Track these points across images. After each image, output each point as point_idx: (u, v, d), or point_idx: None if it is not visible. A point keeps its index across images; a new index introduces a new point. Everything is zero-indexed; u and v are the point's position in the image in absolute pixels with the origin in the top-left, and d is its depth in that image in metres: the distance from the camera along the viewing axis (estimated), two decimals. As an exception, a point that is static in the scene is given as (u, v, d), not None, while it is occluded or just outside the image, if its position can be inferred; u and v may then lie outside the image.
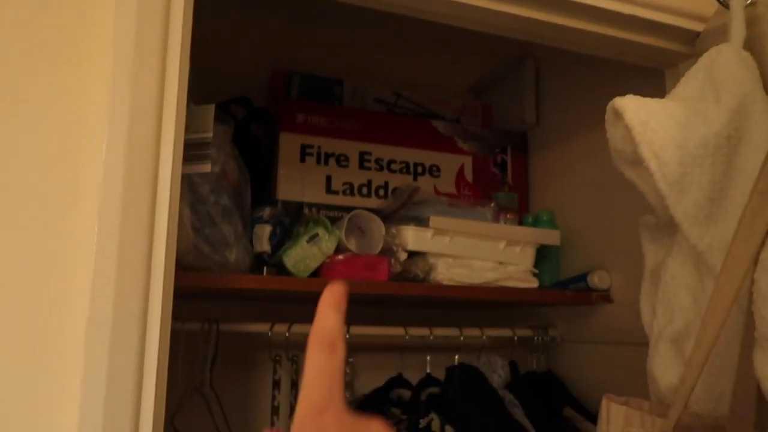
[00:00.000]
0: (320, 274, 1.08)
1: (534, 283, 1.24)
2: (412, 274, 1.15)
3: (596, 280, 1.22)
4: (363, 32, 1.55)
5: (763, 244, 0.51)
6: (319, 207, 1.29)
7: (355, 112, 1.41)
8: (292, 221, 1.18)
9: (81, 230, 0.61)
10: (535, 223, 1.37)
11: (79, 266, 0.60)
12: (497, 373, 1.24)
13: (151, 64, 0.64)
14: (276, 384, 1.21)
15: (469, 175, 1.45)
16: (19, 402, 0.57)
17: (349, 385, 1.27)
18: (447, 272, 1.15)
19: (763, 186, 0.53)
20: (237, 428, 1.21)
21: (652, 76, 1.03)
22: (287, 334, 1.15)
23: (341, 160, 1.35)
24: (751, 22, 0.70)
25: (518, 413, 1.16)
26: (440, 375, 1.24)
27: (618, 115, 0.65)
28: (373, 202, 1.33)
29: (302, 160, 1.31)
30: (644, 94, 0.69)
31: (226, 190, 1.04)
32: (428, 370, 1.25)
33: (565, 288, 1.27)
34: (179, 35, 0.66)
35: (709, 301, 0.52)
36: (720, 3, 0.76)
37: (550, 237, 1.29)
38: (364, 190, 1.35)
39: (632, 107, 0.63)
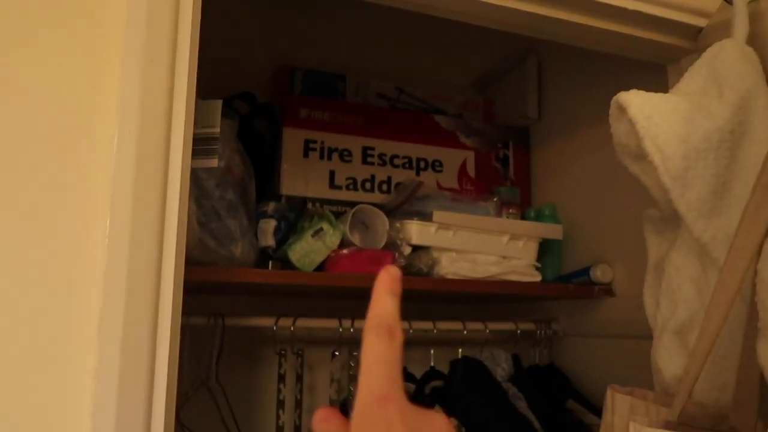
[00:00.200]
0: (325, 269, 1.09)
1: (537, 277, 1.25)
2: (416, 269, 1.16)
3: (599, 273, 1.23)
4: (365, 27, 1.55)
5: (766, 235, 0.52)
6: (323, 202, 1.30)
7: (358, 107, 1.42)
8: (297, 216, 1.18)
9: (93, 225, 0.61)
10: (538, 218, 1.38)
11: (92, 260, 0.61)
12: (501, 367, 1.25)
13: (161, 58, 0.64)
14: (281, 378, 1.22)
15: (471, 170, 1.46)
16: (34, 395, 0.57)
17: (354, 378, 1.28)
18: (451, 266, 1.15)
19: (766, 179, 0.54)
20: (243, 422, 1.22)
21: (655, 71, 1.03)
22: (292, 329, 1.16)
23: (344, 155, 1.35)
24: (755, 18, 0.70)
25: (522, 406, 1.17)
26: (444, 369, 1.25)
27: (622, 109, 0.65)
28: (377, 197, 1.34)
29: (305, 155, 1.32)
30: (646, 90, 0.69)
31: (231, 184, 1.04)
32: (432, 364, 1.26)
33: (567, 282, 1.28)
34: (188, 29, 0.66)
35: (712, 293, 0.53)
36: (723, -2, 0.76)
37: (553, 231, 1.30)
38: (368, 185, 1.36)
39: (636, 102, 0.63)
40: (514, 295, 1.33)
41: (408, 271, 1.16)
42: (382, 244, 1.13)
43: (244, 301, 1.31)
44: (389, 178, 1.38)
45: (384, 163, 1.38)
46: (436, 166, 1.42)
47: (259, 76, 1.43)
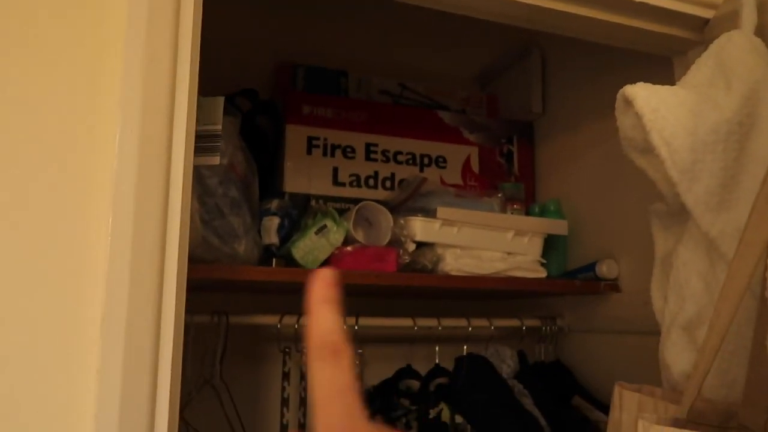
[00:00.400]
0: (329, 266, 1.09)
1: (542, 273, 1.24)
2: (421, 265, 1.16)
3: (604, 269, 1.22)
4: (367, 23, 1.54)
5: (776, 229, 0.51)
6: (326, 199, 1.30)
7: (361, 103, 1.41)
8: (300, 213, 1.18)
9: (95, 223, 0.61)
10: (542, 213, 1.37)
11: (94, 259, 0.60)
12: (506, 363, 1.25)
13: (163, 55, 0.64)
14: (285, 376, 1.21)
15: (475, 166, 1.45)
16: (37, 395, 0.57)
17: (358, 376, 1.27)
18: (455, 263, 1.15)
19: (775, 172, 0.53)
20: (247, 420, 1.22)
21: (661, 64, 1.02)
22: (296, 326, 1.16)
23: (348, 152, 1.35)
24: (763, 9, 0.69)
25: (528, 403, 1.17)
26: (449, 366, 1.24)
27: (628, 102, 0.65)
28: (380, 193, 1.33)
29: (309, 152, 1.31)
30: (652, 83, 0.69)
31: (234, 182, 1.04)
32: (437, 361, 1.26)
33: (573, 278, 1.28)
34: (190, 26, 0.66)
35: (722, 287, 0.52)
36: (730, -11, 0.75)
37: (558, 227, 1.29)
38: (371, 182, 1.35)
39: (643, 95, 0.62)
40: (519, 292, 1.33)
41: (412, 268, 1.15)
42: (386, 240, 1.13)
43: (248, 299, 1.31)
44: (393, 175, 1.37)
45: (387, 160, 1.38)
46: (439, 162, 1.42)
47: (261, 73, 1.43)
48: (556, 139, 1.47)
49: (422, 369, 1.26)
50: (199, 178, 0.98)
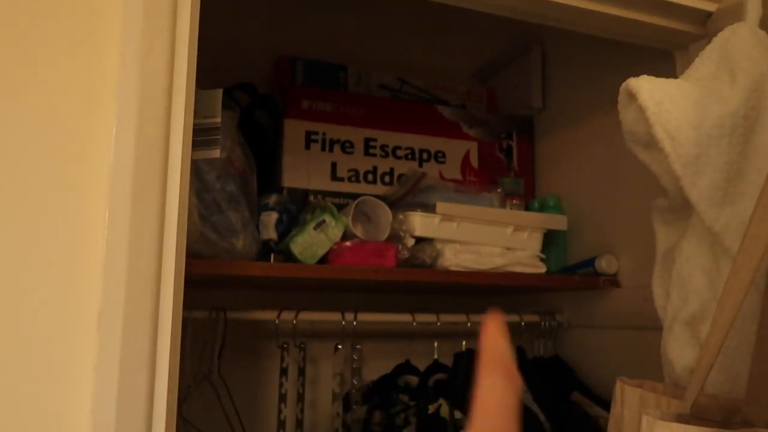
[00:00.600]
0: (327, 261, 1.08)
1: (542, 269, 1.23)
2: (420, 260, 1.15)
3: (604, 264, 1.22)
4: (366, 17, 1.53)
5: (781, 224, 0.51)
6: (325, 194, 1.29)
7: (360, 98, 1.40)
8: (299, 208, 1.17)
9: (92, 218, 0.60)
10: (542, 209, 1.37)
11: (91, 254, 0.59)
12: (505, 359, 1.24)
13: (160, 47, 0.63)
14: (284, 372, 1.21)
15: (474, 161, 1.45)
16: (33, 390, 0.56)
17: (357, 371, 1.27)
18: (454, 258, 1.14)
19: (780, 166, 0.53)
20: (245, 416, 1.21)
21: (662, 59, 1.02)
22: (294, 322, 1.15)
23: (346, 147, 1.34)
24: None
25: (527, 398, 1.16)
26: (448, 361, 1.24)
27: (631, 96, 0.64)
28: (379, 188, 1.33)
29: (307, 146, 1.31)
30: (654, 77, 0.68)
31: (232, 176, 1.03)
32: (435, 357, 1.25)
33: (572, 273, 1.27)
34: (187, 18, 0.65)
35: (726, 282, 0.52)
36: (734, -18, 0.75)
37: (558, 222, 1.28)
38: (370, 177, 1.34)
39: (646, 88, 0.62)
40: (519, 287, 1.32)
41: (411, 263, 1.14)
42: (386, 236, 1.12)
43: (246, 294, 1.30)
44: (392, 170, 1.36)
45: (386, 155, 1.37)
46: (438, 157, 1.41)
47: (260, 67, 1.42)
48: (555, 134, 1.47)
49: (421, 365, 1.26)
50: (197, 173, 0.97)
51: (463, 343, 1.25)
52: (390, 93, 1.47)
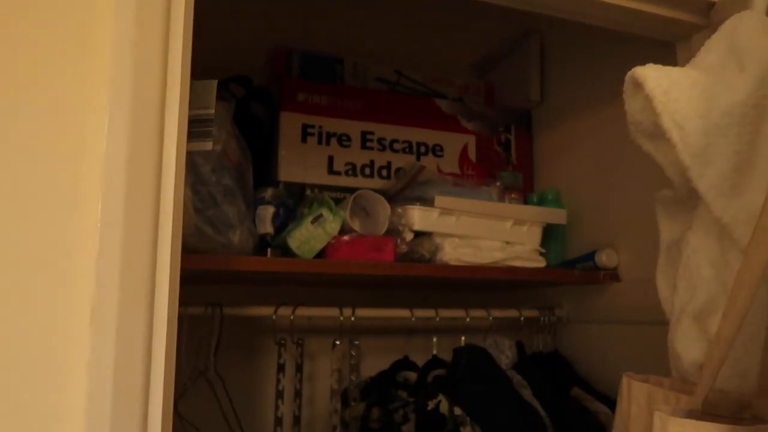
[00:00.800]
0: (325, 256, 1.07)
1: (541, 263, 1.22)
2: (419, 255, 1.14)
3: (604, 258, 1.20)
4: (363, 9, 1.51)
5: (792, 215, 0.49)
6: (321, 188, 1.27)
7: (357, 90, 1.38)
8: (296, 202, 1.16)
9: (84, 211, 0.58)
10: (540, 202, 1.36)
11: (83, 248, 0.58)
12: (504, 354, 1.23)
13: (154, 36, 0.61)
14: (281, 368, 1.19)
15: (472, 155, 1.43)
16: (25, 388, 0.55)
17: (355, 367, 1.26)
18: (453, 252, 1.13)
19: (790, 156, 0.51)
20: (242, 412, 1.20)
21: (662, 51, 1.00)
22: (292, 318, 1.14)
23: (343, 140, 1.32)
24: (775, -12, 0.67)
25: (527, 394, 1.15)
26: (446, 357, 1.23)
27: (637, 85, 0.62)
28: (376, 182, 1.31)
29: (303, 140, 1.29)
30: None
31: (228, 169, 1.01)
32: (434, 352, 1.24)
33: (572, 267, 1.26)
34: (182, 6, 0.63)
35: (737, 274, 0.51)
36: (738, -30, 0.73)
37: (558, 216, 1.27)
38: (367, 171, 1.33)
39: (653, 76, 0.60)
40: (518, 282, 1.31)
41: (410, 258, 1.13)
42: (384, 230, 1.10)
43: (243, 290, 1.29)
44: (389, 164, 1.35)
45: (384, 148, 1.35)
46: (436, 150, 1.40)
47: (255, 60, 1.40)
48: (554, 128, 1.45)
49: (420, 360, 1.25)
50: (191, 166, 0.95)
51: (463, 338, 1.24)
52: (387, 86, 1.46)
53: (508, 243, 1.20)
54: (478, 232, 1.17)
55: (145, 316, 0.57)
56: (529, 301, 1.37)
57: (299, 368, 1.23)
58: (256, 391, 1.32)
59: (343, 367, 1.26)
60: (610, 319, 1.24)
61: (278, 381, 1.19)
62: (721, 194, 0.57)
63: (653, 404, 0.58)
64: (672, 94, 0.59)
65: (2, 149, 0.57)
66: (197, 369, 1.13)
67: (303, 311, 1.15)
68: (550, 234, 1.28)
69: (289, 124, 1.28)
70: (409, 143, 1.38)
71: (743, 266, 0.51)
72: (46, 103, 0.59)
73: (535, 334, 1.33)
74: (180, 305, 0.62)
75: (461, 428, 1.06)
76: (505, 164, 1.46)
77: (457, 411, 1.08)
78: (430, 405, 1.11)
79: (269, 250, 1.06)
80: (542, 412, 1.13)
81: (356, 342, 1.26)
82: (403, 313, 1.20)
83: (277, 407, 1.17)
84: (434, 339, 1.24)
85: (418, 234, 1.15)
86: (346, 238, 1.06)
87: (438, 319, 1.22)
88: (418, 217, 1.13)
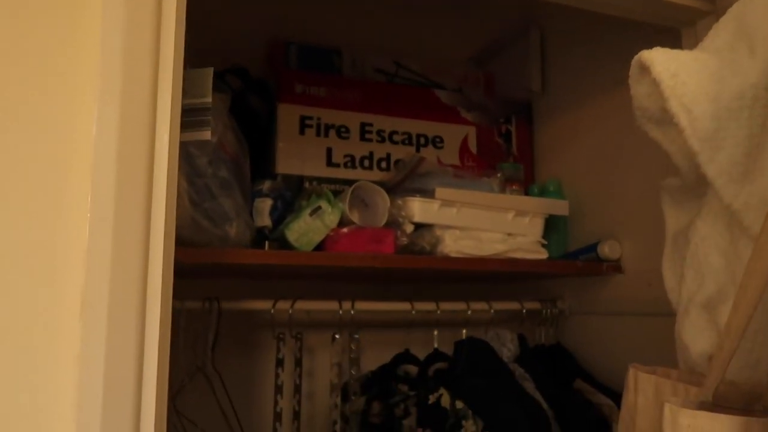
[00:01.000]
0: (324, 248, 1.05)
1: (543, 254, 1.21)
2: (419, 247, 1.12)
3: (606, 250, 1.19)
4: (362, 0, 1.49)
5: (805, 200, 0.48)
6: (320, 180, 1.26)
7: (355, 82, 1.37)
8: (294, 195, 1.14)
9: (73, 202, 0.57)
10: (542, 194, 1.34)
11: (73, 240, 0.56)
12: (506, 347, 1.21)
13: (145, 19, 0.59)
14: (279, 362, 1.18)
15: (473, 146, 1.42)
16: (14, 384, 0.53)
17: (355, 361, 1.24)
18: (454, 244, 1.11)
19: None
20: (240, 408, 1.18)
21: (665, 40, 0.98)
22: (290, 311, 1.12)
23: (342, 132, 1.30)
24: (785, -31, 0.65)
25: (529, 386, 1.14)
26: (448, 350, 1.21)
27: (644, 68, 0.61)
28: (375, 174, 1.30)
29: (302, 132, 1.27)
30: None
31: (225, 161, 0.99)
32: (435, 346, 1.22)
33: (574, 259, 1.24)
34: (173, -10, 0.61)
35: (748, 262, 0.49)
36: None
37: (560, 207, 1.26)
38: (366, 163, 1.31)
39: (661, 59, 0.59)
40: (520, 273, 1.30)
41: (411, 250, 1.11)
42: (383, 222, 1.09)
43: (241, 284, 1.27)
44: (388, 155, 1.33)
45: (383, 140, 1.34)
46: (436, 142, 1.38)
47: (253, 51, 1.38)
48: (555, 118, 1.44)
49: (421, 354, 1.23)
50: (187, 158, 0.94)
51: (464, 331, 1.22)
52: (386, 77, 1.44)
53: (509, 235, 1.19)
54: (479, 223, 1.16)
55: (137, 309, 0.55)
56: (531, 293, 1.36)
57: (298, 363, 1.22)
58: (254, 386, 1.30)
59: (342, 361, 1.24)
60: (613, 311, 1.23)
61: (277, 376, 1.17)
62: (731, 180, 0.55)
63: (661, 396, 0.56)
64: (680, 78, 0.57)
65: (-11, 138, 0.55)
66: (195, 364, 1.11)
67: (302, 305, 1.13)
68: (551, 225, 1.26)
69: (287, 115, 1.26)
70: (409, 135, 1.36)
71: (754, 255, 0.49)
72: (35, 93, 0.58)
73: (537, 327, 1.32)
74: (177, 299, 0.60)
75: (463, 422, 1.05)
76: (506, 155, 1.44)
77: (459, 404, 1.07)
78: (432, 399, 1.09)
79: (267, 242, 1.04)
80: (545, 405, 1.11)
81: (356, 336, 1.25)
82: (404, 306, 1.19)
83: (276, 402, 1.16)
84: (435, 332, 1.23)
85: (419, 226, 1.13)
86: (345, 230, 1.05)
87: (439, 312, 1.21)
88: (418, 208, 1.12)
